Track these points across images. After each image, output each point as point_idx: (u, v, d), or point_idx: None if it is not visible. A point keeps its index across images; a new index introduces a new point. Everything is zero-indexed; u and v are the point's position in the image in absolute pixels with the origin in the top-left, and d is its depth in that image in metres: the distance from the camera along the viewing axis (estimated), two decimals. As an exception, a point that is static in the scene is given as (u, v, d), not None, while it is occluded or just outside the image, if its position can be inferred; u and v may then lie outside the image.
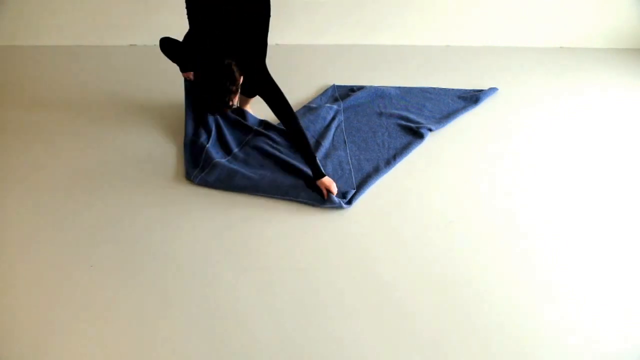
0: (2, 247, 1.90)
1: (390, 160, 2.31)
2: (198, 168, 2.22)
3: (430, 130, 2.51)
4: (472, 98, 2.78)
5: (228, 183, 2.15)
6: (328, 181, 2.09)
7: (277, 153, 2.32)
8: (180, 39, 2.29)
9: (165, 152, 2.39)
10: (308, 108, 2.65)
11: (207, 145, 2.32)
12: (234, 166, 2.23)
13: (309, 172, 2.16)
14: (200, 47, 2.11)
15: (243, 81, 2.06)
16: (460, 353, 1.54)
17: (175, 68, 2.46)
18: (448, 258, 1.86)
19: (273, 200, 2.11)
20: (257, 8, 2.12)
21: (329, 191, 2.07)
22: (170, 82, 2.92)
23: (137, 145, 2.43)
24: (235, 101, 1.94)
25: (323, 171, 2.11)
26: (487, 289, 1.74)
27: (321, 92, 2.86)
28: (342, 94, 2.83)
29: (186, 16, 2.20)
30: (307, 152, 2.10)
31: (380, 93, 2.80)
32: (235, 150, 2.37)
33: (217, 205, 2.09)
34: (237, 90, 1.97)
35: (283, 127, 2.44)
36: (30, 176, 2.24)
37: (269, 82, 2.11)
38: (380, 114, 2.65)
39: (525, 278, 1.78)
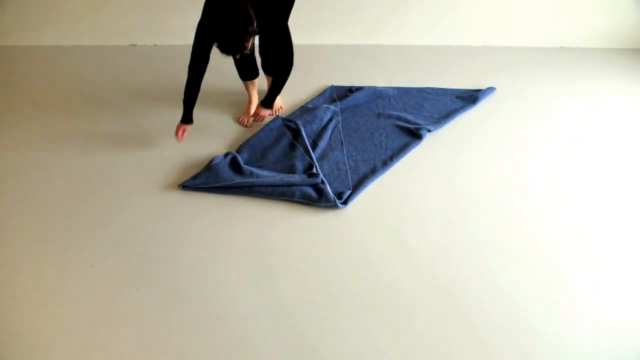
0: (2, 248, 1.91)
1: (387, 161, 2.31)
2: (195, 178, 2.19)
3: (429, 131, 2.50)
4: (470, 98, 2.77)
5: (215, 180, 2.13)
6: (264, 112, 2.14)
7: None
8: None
9: (165, 153, 2.39)
10: (305, 109, 2.64)
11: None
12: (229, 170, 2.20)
13: (307, 169, 2.18)
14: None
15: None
16: (459, 353, 1.55)
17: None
18: (447, 258, 1.86)
19: (269, 201, 2.11)
20: None
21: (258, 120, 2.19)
22: (169, 82, 2.93)
23: (138, 146, 2.44)
24: (250, 44, 1.88)
25: (271, 104, 2.17)
26: (486, 289, 1.74)
27: (320, 92, 2.85)
28: (340, 94, 2.82)
29: None
30: (278, 78, 2.07)
31: (378, 94, 2.80)
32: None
33: (215, 207, 2.09)
34: (253, 33, 1.89)
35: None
36: (30, 176, 2.25)
37: (284, 29, 2.06)
38: (379, 115, 2.65)
39: (525, 278, 1.78)
